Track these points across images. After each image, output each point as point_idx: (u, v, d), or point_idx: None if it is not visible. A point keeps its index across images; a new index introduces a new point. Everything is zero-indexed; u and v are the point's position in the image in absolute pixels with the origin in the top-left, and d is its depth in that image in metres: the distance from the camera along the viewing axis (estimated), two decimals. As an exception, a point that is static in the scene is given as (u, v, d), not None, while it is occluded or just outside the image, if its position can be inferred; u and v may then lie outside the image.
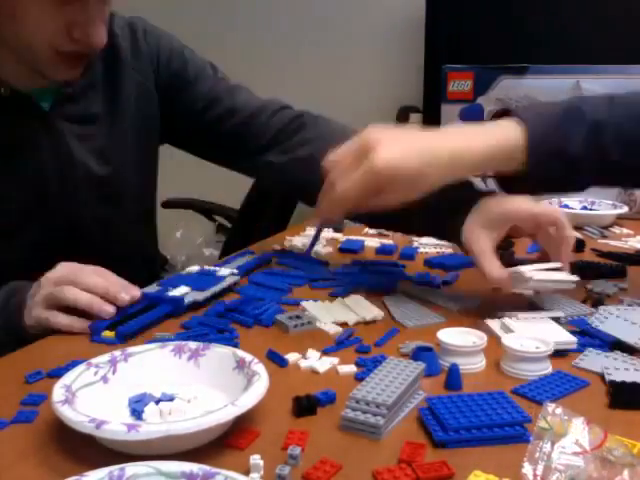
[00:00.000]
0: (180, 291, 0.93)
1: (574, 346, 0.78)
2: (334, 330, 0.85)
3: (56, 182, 1.02)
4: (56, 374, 0.71)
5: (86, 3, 0.87)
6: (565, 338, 0.79)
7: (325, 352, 0.78)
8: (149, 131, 1.14)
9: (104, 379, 0.67)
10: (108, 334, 0.82)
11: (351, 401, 0.62)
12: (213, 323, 0.86)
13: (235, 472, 0.50)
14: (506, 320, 0.83)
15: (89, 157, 1.04)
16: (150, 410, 0.64)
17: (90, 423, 0.56)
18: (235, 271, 1.04)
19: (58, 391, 0.61)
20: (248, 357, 0.68)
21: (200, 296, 0.93)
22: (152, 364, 0.70)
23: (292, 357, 0.77)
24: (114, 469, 0.50)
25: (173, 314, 0.90)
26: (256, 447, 0.59)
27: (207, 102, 1.12)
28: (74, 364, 0.69)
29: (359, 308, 0.91)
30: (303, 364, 0.76)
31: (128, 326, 0.83)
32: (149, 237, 1.24)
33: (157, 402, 0.65)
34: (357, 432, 0.61)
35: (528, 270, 0.84)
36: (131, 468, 0.50)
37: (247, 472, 0.54)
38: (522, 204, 0.87)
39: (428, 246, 1.24)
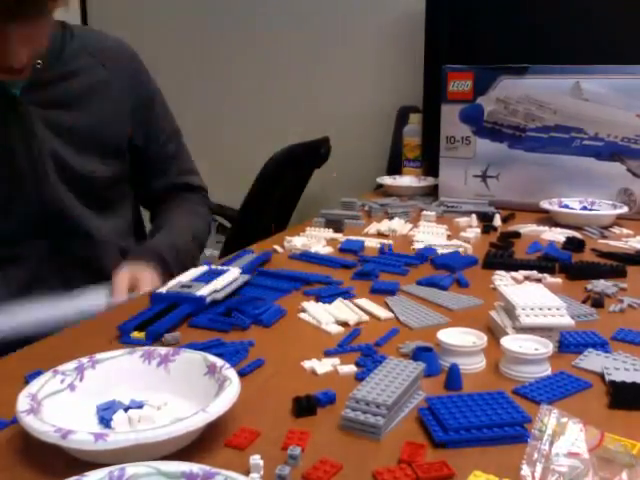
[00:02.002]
0: (200, 290, 0.93)
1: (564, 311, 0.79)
2: (335, 330, 0.85)
3: (26, 164, 1.06)
4: (56, 374, 0.71)
5: (5, 32, 0.91)
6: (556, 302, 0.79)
7: (327, 354, 0.79)
8: (119, 124, 1.18)
9: (71, 387, 0.65)
10: (137, 335, 0.82)
11: (351, 401, 0.63)
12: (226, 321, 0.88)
13: (235, 472, 0.50)
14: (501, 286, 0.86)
15: (55, 139, 1.08)
16: (119, 418, 0.62)
17: (56, 433, 0.54)
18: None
19: (23, 400, 0.59)
20: (219, 362, 0.66)
21: (219, 295, 0.94)
22: (121, 370, 0.68)
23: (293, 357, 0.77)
24: (114, 469, 0.50)
25: (194, 312, 0.90)
26: (256, 447, 0.59)
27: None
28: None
29: (360, 308, 0.91)
30: (304, 364, 0.76)
31: (157, 325, 0.84)
32: (121, 227, 1.25)
33: (126, 409, 0.63)
34: (357, 432, 0.61)
35: (521, 311, 0.79)
36: (131, 468, 0.50)
37: (247, 472, 0.54)
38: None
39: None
